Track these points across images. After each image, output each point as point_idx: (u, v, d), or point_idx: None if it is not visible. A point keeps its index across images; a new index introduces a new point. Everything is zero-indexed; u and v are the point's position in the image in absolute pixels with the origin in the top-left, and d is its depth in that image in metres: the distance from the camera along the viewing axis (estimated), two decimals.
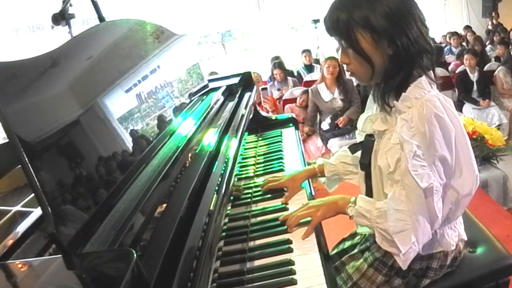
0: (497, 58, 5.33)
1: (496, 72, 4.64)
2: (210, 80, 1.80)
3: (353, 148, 1.20)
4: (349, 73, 1.07)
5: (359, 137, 1.20)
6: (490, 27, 7.53)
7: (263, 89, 4.89)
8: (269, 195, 1.33)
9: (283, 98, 4.60)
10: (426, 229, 0.98)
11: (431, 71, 1.01)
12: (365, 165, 1.12)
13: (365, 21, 0.94)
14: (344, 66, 1.11)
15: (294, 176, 1.34)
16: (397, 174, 0.97)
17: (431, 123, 0.93)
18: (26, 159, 0.65)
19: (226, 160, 1.15)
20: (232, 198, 1.25)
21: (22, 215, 0.89)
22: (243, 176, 1.49)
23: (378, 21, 0.94)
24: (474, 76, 4.54)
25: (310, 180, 1.38)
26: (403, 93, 0.98)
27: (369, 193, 1.12)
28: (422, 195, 0.94)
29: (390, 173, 0.98)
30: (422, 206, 0.96)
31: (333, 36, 1.02)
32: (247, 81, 1.93)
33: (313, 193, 1.35)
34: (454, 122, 0.97)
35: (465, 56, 4.55)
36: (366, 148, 1.11)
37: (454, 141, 0.96)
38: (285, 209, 1.23)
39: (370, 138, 1.10)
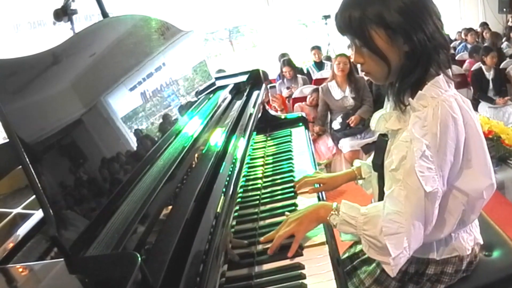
0: None
1: (507, 69, 4.55)
2: (217, 78, 1.79)
3: (366, 148, 1.17)
4: (363, 73, 1.03)
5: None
6: (510, 24, 7.36)
7: (271, 87, 4.86)
8: (279, 197, 1.31)
9: (293, 96, 4.57)
10: (419, 235, 0.94)
11: (449, 69, 0.98)
12: (378, 165, 1.08)
13: (379, 18, 0.91)
14: (358, 66, 1.07)
15: (335, 177, 1.35)
16: (399, 173, 0.93)
17: (445, 125, 0.90)
18: (27, 159, 0.63)
19: (234, 160, 1.13)
20: (240, 200, 1.23)
21: (23, 218, 0.88)
22: (251, 177, 1.47)
23: (392, 17, 0.90)
24: (490, 74, 4.46)
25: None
26: (420, 91, 0.95)
27: (382, 194, 1.07)
28: (423, 198, 0.91)
29: (393, 170, 0.95)
30: (420, 210, 0.92)
31: (345, 35, 0.98)
32: (255, 79, 1.91)
33: (324, 197, 1.32)
34: (471, 125, 0.94)
35: (491, 54, 4.43)
36: (379, 148, 1.08)
37: (463, 146, 0.93)
38: (294, 211, 1.20)
39: (383, 138, 1.07)
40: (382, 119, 1.06)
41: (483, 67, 4.48)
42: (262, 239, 1.07)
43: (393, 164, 0.95)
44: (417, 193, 0.91)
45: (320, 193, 1.32)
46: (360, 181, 1.35)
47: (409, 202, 0.91)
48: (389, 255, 0.92)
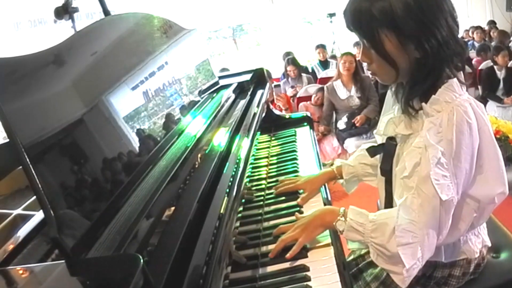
0: None
1: None
2: (220, 77, 1.77)
3: (372, 151, 1.13)
4: (369, 72, 1.01)
5: (379, 139, 1.13)
6: None
7: (276, 86, 4.84)
8: (283, 197, 1.29)
9: (297, 95, 4.54)
10: (433, 244, 0.91)
11: (461, 72, 0.95)
12: (386, 170, 1.05)
13: (390, 21, 0.87)
14: (365, 64, 1.05)
15: (312, 179, 1.29)
16: (412, 180, 0.91)
17: (460, 131, 0.87)
18: (27, 160, 0.63)
19: (238, 161, 1.12)
20: (243, 200, 1.22)
21: (23, 219, 0.87)
22: (255, 177, 1.45)
23: (405, 21, 0.86)
24: (501, 74, 4.40)
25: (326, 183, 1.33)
26: (433, 96, 0.92)
27: (389, 198, 1.07)
28: (438, 207, 0.88)
29: (405, 177, 0.92)
30: (435, 219, 0.89)
31: (354, 32, 0.95)
32: (259, 78, 1.89)
33: (329, 197, 1.30)
34: (485, 130, 0.92)
35: (502, 53, 4.36)
36: (387, 152, 1.05)
37: (477, 151, 0.91)
38: (299, 212, 1.19)
39: (391, 142, 1.04)
40: (391, 123, 1.03)
41: (495, 67, 4.43)
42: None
43: (405, 171, 0.92)
44: (432, 202, 0.88)
45: (325, 193, 1.29)
46: (341, 181, 1.32)
47: (423, 211, 0.89)
48: (402, 265, 0.89)
